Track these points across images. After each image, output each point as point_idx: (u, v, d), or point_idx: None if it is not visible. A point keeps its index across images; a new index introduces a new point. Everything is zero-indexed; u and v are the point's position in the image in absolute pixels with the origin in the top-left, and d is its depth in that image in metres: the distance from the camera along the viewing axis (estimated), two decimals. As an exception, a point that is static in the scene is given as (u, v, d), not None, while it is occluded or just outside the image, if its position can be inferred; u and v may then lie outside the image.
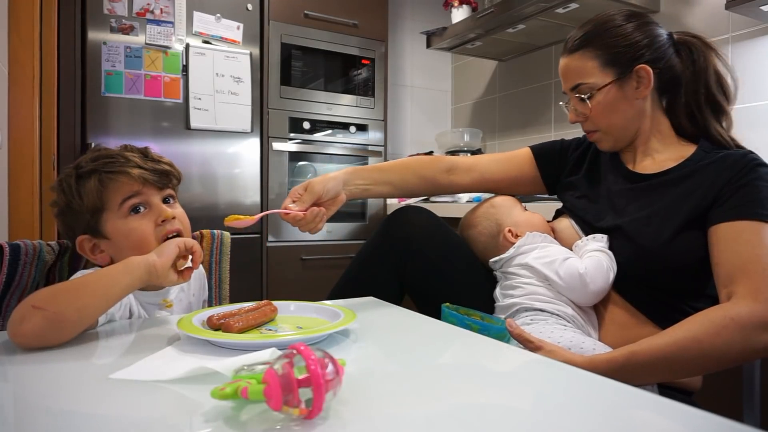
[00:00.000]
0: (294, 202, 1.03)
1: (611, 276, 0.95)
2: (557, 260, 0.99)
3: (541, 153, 1.22)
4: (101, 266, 0.91)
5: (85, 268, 0.98)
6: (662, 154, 1.04)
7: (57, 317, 0.67)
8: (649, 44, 1.00)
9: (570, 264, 0.98)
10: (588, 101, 1.02)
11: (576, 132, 1.27)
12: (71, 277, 0.86)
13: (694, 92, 1.03)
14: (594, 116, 1.04)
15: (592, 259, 0.97)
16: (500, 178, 1.22)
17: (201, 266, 1.10)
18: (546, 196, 1.29)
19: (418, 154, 2.87)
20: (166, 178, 0.93)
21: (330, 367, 0.45)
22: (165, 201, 0.94)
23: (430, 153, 2.85)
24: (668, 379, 0.90)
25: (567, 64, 1.05)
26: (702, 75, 1.02)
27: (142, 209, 0.90)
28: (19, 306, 0.69)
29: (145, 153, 0.94)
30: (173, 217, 0.91)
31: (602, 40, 1.01)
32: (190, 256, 0.85)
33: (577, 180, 1.15)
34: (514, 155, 1.24)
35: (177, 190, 0.98)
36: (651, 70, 0.99)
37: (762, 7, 1.62)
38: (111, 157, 0.90)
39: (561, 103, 1.13)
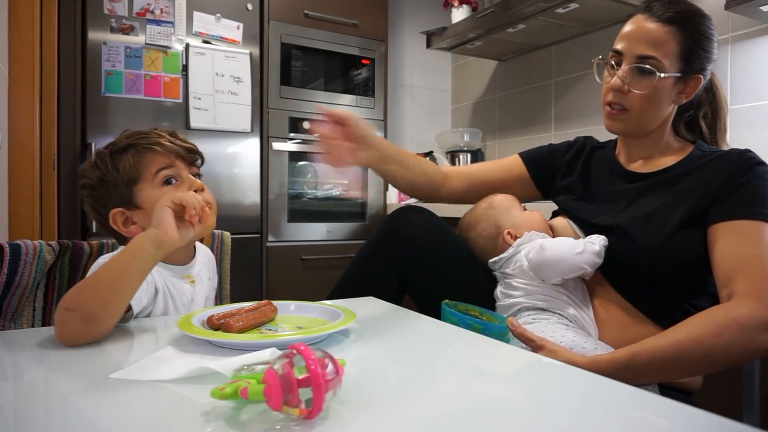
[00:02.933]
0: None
1: (578, 249, 0.94)
2: (535, 247, 1.00)
3: (529, 157, 1.23)
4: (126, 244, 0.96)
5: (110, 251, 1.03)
6: (662, 153, 1.05)
7: (87, 316, 0.69)
8: (712, 60, 1.00)
9: (537, 243, 0.99)
10: (648, 78, 0.96)
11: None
12: (94, 263, 0.88)
13: (711, 116, 1.07)
14: (638, 96, 0.97)
15: (563, 237, 0.98)
16: (493, 181, 1.22)
17: (210, 252, 1.13)
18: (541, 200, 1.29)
19: (417, 155, 2.87)
20: (194, 154, 0.99)
21: (330, 367, 0.45)
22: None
23: (430, 153, 2.85)
24: (670, 379, 0.90)
25: (650, 29, 0.96)
26: (721, 102, 1.07)
27: (174, 181, 0.95)
28: (57, 310, 0.72)
29: (174, 134, 0.99)
30: (203, 189, 0.95)
31: (694, 29, 0.96)
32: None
33: (572, 182, 1.14)
34: (502, 161, 1.26)
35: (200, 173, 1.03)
36: (701, 85, 1.00)
37: (762, 8, 1.62)
38: (145, 133, 0.96)
39: (599, 57, 1.05)
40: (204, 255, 1.08)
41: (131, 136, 0.96)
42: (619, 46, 1.00)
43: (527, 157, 1.23)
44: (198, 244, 1.09)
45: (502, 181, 1.22)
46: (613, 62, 1.01)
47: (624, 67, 0.98)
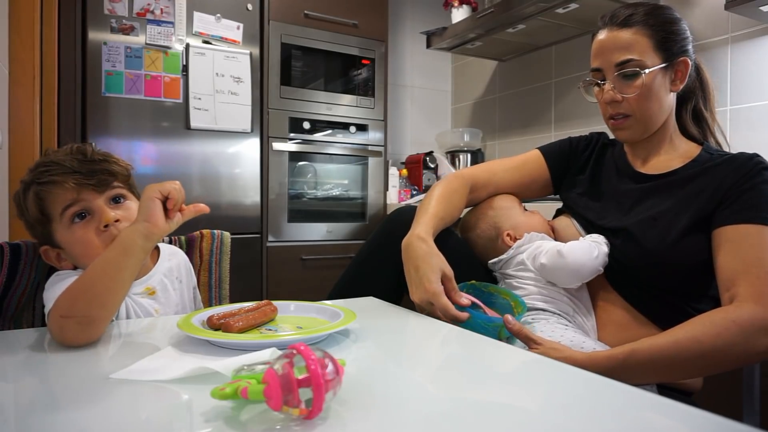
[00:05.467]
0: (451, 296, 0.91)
1: (595, 253, 0.94)
2: (543, 251, 1.00)
3: (551, 154, 1.20)
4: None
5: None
6: (670, 153, 1.05)
7: (87, 320, 0.70)
8: (690, 40, 1.02)
9: (551, 248, 0.99)
10: (635, 80, 0.98)
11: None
12: (49, 278, 0.86)
13: (703, 100, 1.07)
14: (634, 99, 0.99)
15: (575, 241, 0.97)
16: (513, 186, 1.19)
17: (185, 256, 1.07)
18: (548, 196, 1.28)
19: (417, 154, 2.87)
20: (105, 179, 0.89)
21: (330, 367, 0.45)
22: (115, 200, 0.90)
23: (430, 153, 2.85)
24: (668, 380, 0.90)
25: (618, 36, 0.99)
26: (709, 86, 1.08)
27: (86, 215, 0.87)
28: (51, 320, 0.72)
29: (84, 153, 0.89)
30: (117, 220, 0.86)
31: (658, 20, 0.99)
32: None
33: (581, 178, 1.14)
34: (524, 161, 1.21)
35: (132, 185, 0.94)
36: (690, 65, 1.00)
37: (761, 8, 1.62)
38: (46, 165, 0.87)
39: (587, 79, 1.06)
40: (172, 257, 1.01)
41: (33, 170, 0.88)
42: (596, 63, 1.03)
43: (548, 154, 1.20)
44: (163, 246, 1.03)
45: (524, 184, 1.20)
46: (597, 81, 1.04)
47: (608, 79, 1.01)
